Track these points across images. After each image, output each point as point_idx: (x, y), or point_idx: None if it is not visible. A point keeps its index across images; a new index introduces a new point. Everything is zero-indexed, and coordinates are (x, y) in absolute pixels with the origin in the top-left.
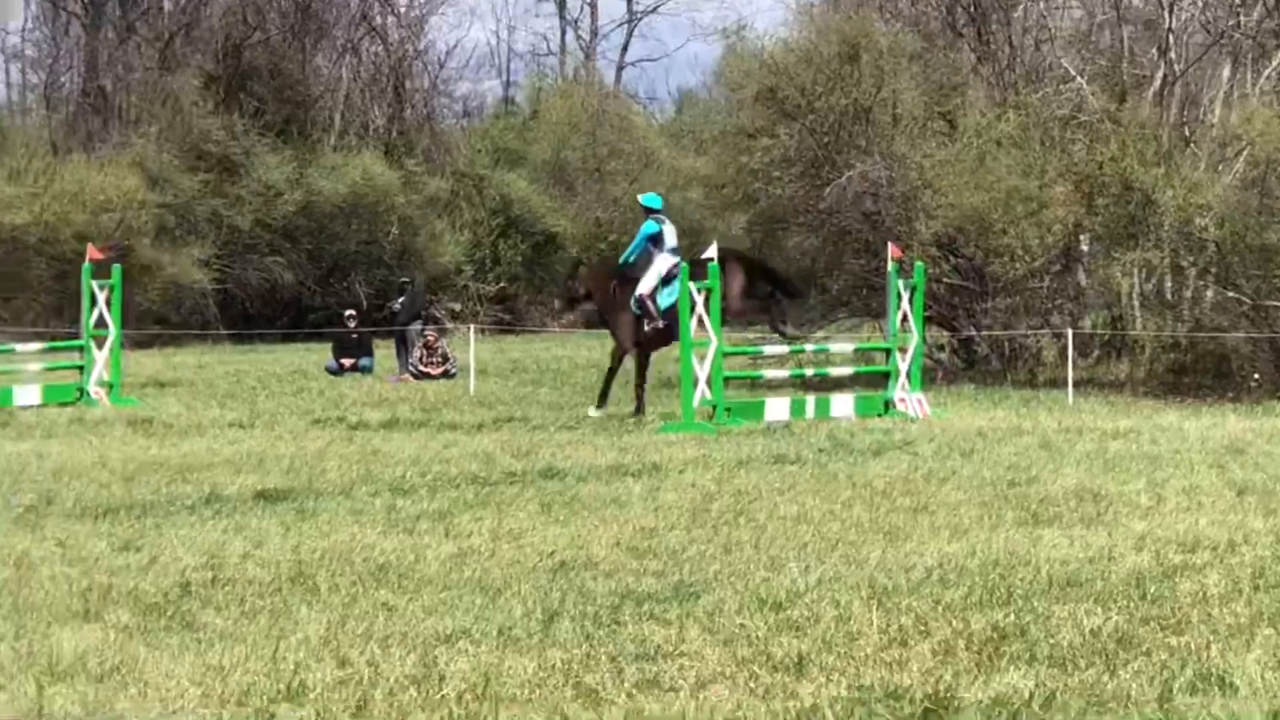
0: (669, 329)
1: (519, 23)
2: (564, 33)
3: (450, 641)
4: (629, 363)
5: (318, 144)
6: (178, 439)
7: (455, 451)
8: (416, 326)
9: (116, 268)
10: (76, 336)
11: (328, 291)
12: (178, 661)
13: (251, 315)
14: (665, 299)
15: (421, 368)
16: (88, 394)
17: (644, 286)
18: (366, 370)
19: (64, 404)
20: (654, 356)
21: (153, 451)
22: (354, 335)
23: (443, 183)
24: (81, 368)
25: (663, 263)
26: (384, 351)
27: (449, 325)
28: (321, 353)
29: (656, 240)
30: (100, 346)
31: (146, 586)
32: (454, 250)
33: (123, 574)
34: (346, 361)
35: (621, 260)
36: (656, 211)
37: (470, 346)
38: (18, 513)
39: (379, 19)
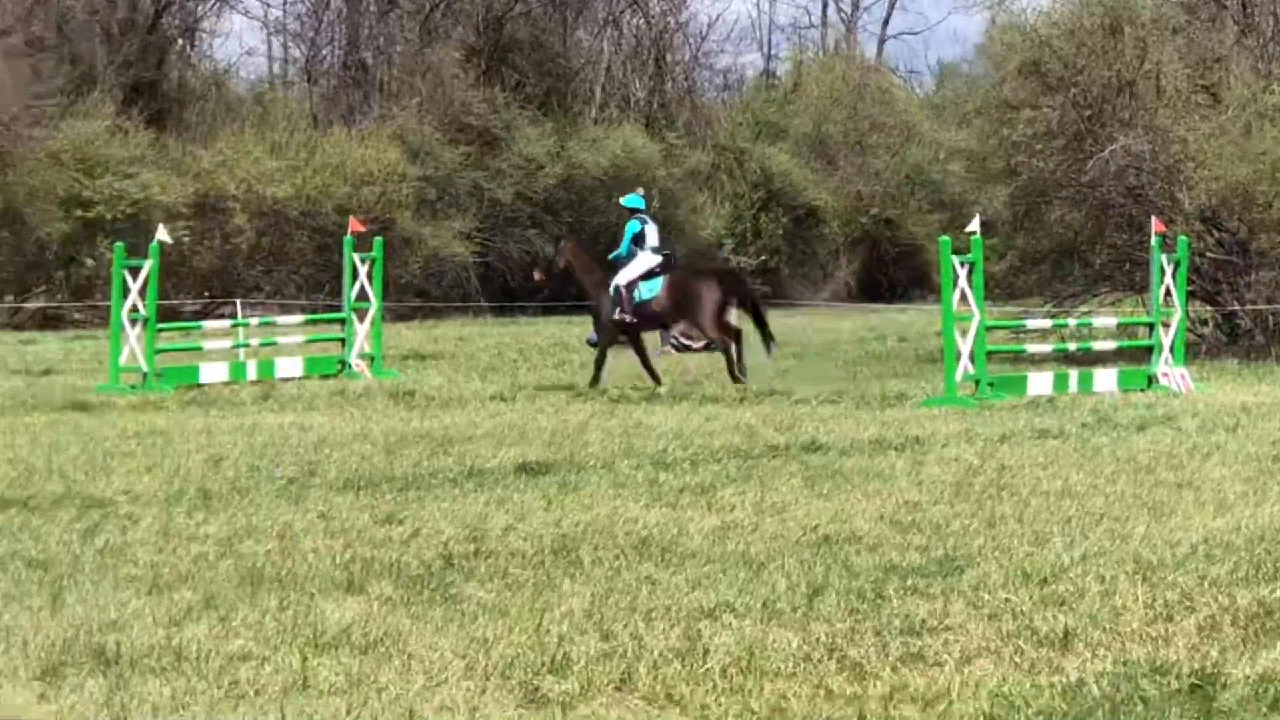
0: (655, 315)
1: None
2: (825, 5)
3: (714, 615)
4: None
5: (578, 117)
6: (439, 411)
7: (717, 425)
8: None
9: (378, 240)
10: (338, 309)
11: None
12: (441, 634)
13: (512, 288)
14: (645, 292)
15: (684, 340)
16: (349, 366)
17: (623, 278)
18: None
19: (326, 376)
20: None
21: (414, 424)
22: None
23: (703, 156)
24: (343, 340)
25: (645, 260)
26: None
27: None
28: (583, 325)
29: (639, 239)
30: (362, 319)
31: (409, 559)
32: (715, 224)
33: (385, 546)
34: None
35: (613, 256)
36: (639, 212)
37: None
38: (280, 484)
39: None
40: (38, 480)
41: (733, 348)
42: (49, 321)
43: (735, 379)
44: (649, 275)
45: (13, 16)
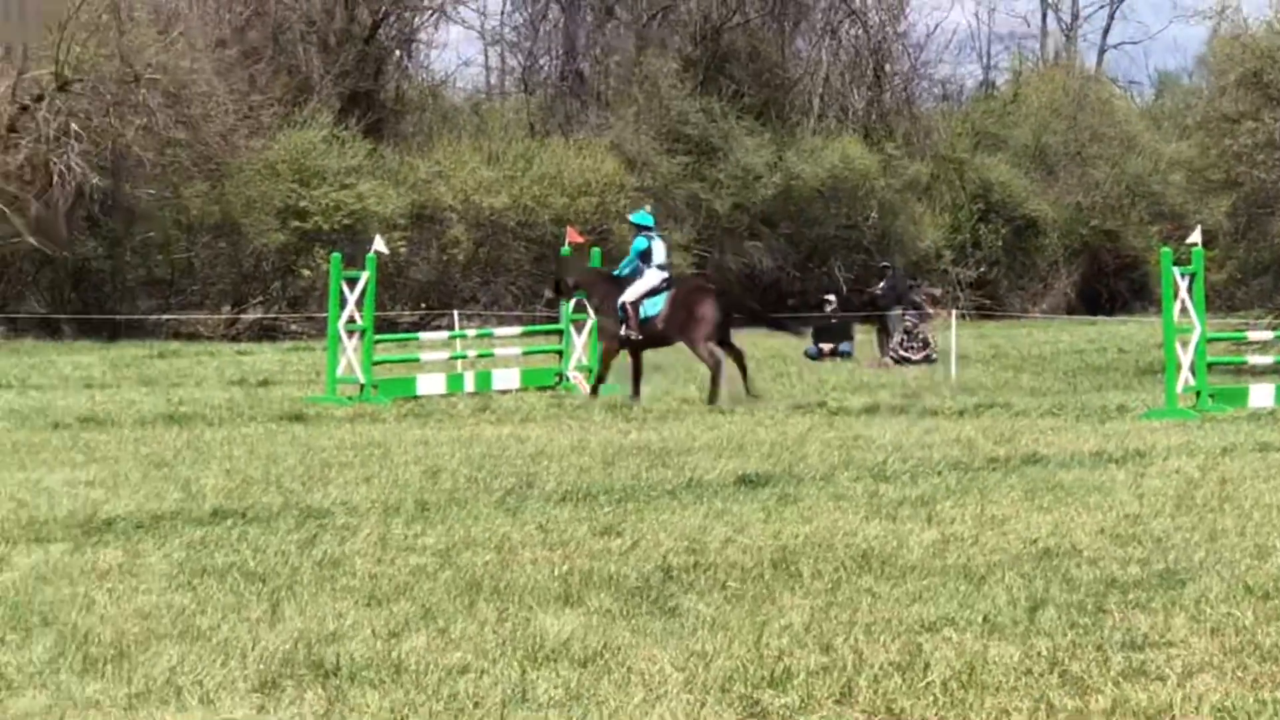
0: (661, 334)
1: (999, 4)
2: (1045, 15)
3: (934, 629)
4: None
5: (796, 127)
6: (656, 424)
7: (936, 438)
8: (897, 312)
9: (595, 251)
10: (555, 321)
11: (807, 276)
12: (660, 647)
13: None
14: (649, 309)
15: (902, 353)
16: (566, 379)
17: (630, 294)
18: (846, 355)
19: (542, 388)
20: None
21: (632, 436)
22: (833, 320)
23: (922, 167)
24: (560, 352)
25: (652, 277)
26: (864, 337)
27: (929, 310)
28: (800, 339)
29: (646, 256)
30: (579, 331)
31: (627, 571)
32: (933, 235)
33: (603, 558)
34: (826, 347)
35: (615, 273)
36: (647, 228)
37: (951, 332)
38: (498, 495)
39: (858, 2)
40: (255, 491)
41: (732, 366)
42: (266, 332)
43: (748, 393)
44: (653, 293)
45: (229, 27)
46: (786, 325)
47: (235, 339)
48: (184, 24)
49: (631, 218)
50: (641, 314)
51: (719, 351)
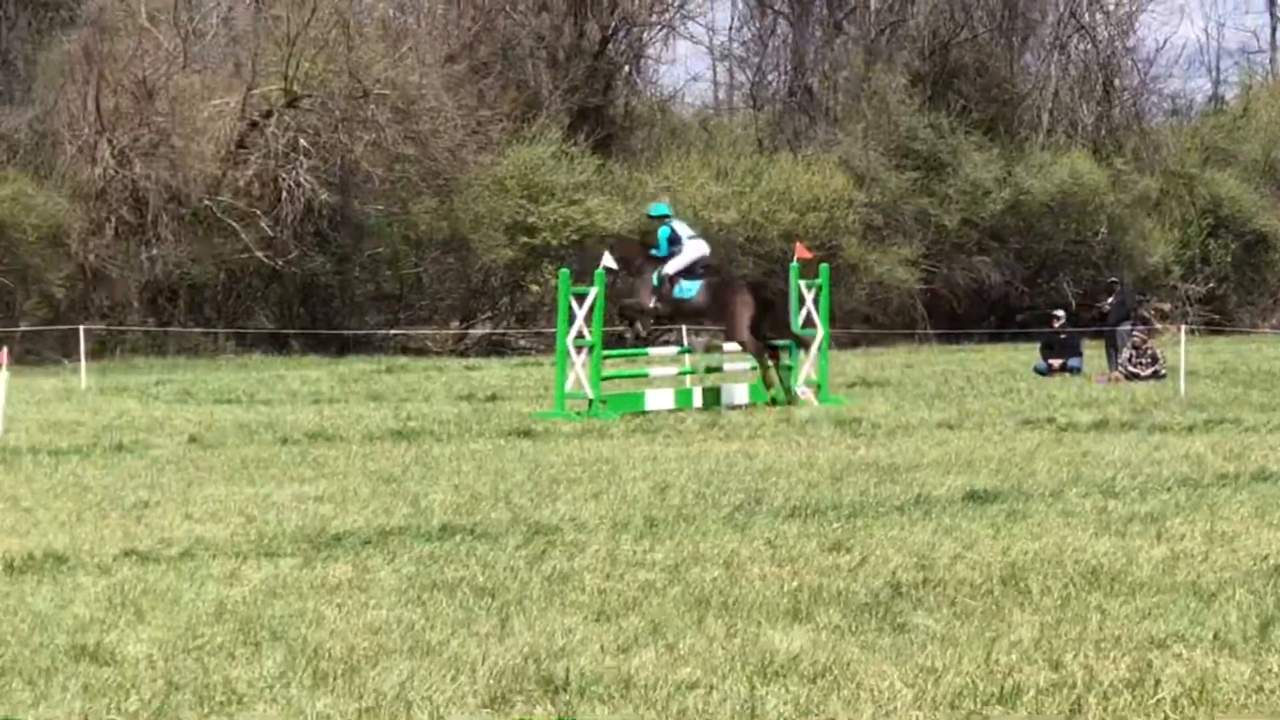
0: (687, 313)
1: (1229, 19)
2: (1275, 29)
3: (1164, 646)
4: None
5: (1025, 142)
6: (885, 439)
7: (1165, 454)
8: (1125, 327)
9: (824, 267)
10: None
11: (1035, 291)
12: (889, 663)
13: (958, 315)
14: (685, 290)
15: (1131, 368)
16: (795, 393)
17: (671, 266)
18: (1075, 371)
19: (771, 404)
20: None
21: (860, 452)
22: (1062, 335)
23: (1151, 182)
24: (789, 367)
25: (695, 246)
26: (1092, 352)
27: (1157, 326)
28: (1029, 353)
29: (674, 240)
30: (807, 346)
31: (856, 587)
32: (1162, 250)
33: (832, 574)
34: (1055, 362)
35: (656, 253)
36: (665, 217)
37: (1180, 347)
38: (724, 512)
39: (1087, 16)
40: (484, 507)
41: (767, 362)
42: (494, 347)
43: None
44: (690, 273)
45: (458, 43)
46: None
47: (463, 354)
48: (413, 39)
49: (649, 211)
50: (677, 292)
51: (763, 339)
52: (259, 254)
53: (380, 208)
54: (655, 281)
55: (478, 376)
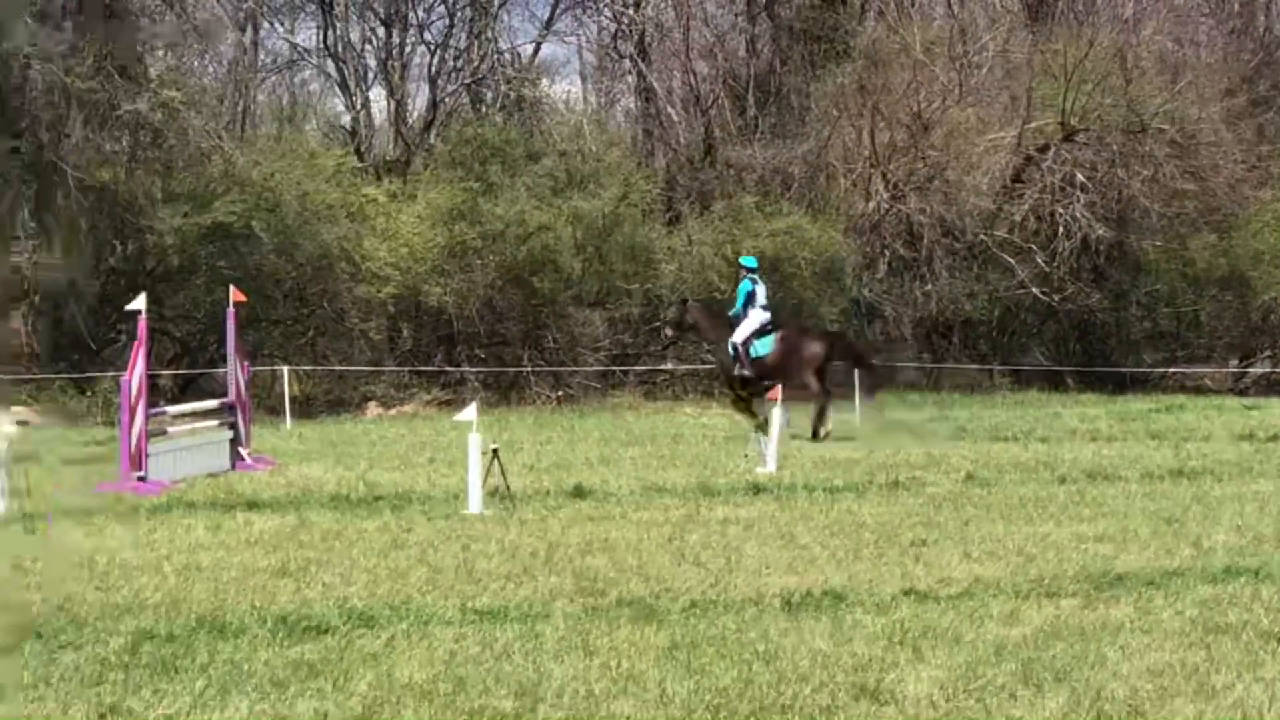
0: (763, 376)
1: None
2: None
3: None
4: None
5: None
6: None
7: None
8: None
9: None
10: None
11: None
12: None
13: None
14: (759, 349)
15: None
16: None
17: (739, 335)
18: None
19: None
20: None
21: None
22: None
23: None
24: None
25: (757, 316)
26: None
27: None
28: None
29: (751, 298)
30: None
31: None
32: None
33: None
34: None
35: (732, 313)
36: (753, 271)
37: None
38: None
39: None
40: (1267, 549)
41: (825, 406)
42: (1273, 386)
43: (815, 435)
44: (762, 333)
45: (1237, 75)
46: (880, 375)
47: (1242, 393)
48: (1191, 72)
49: (741, 261)
50: (752, 353)
51: (826, 384)
52: (1034, 290)
53: (1158, 243)
54: (732, 352)
55: (1258, 416)
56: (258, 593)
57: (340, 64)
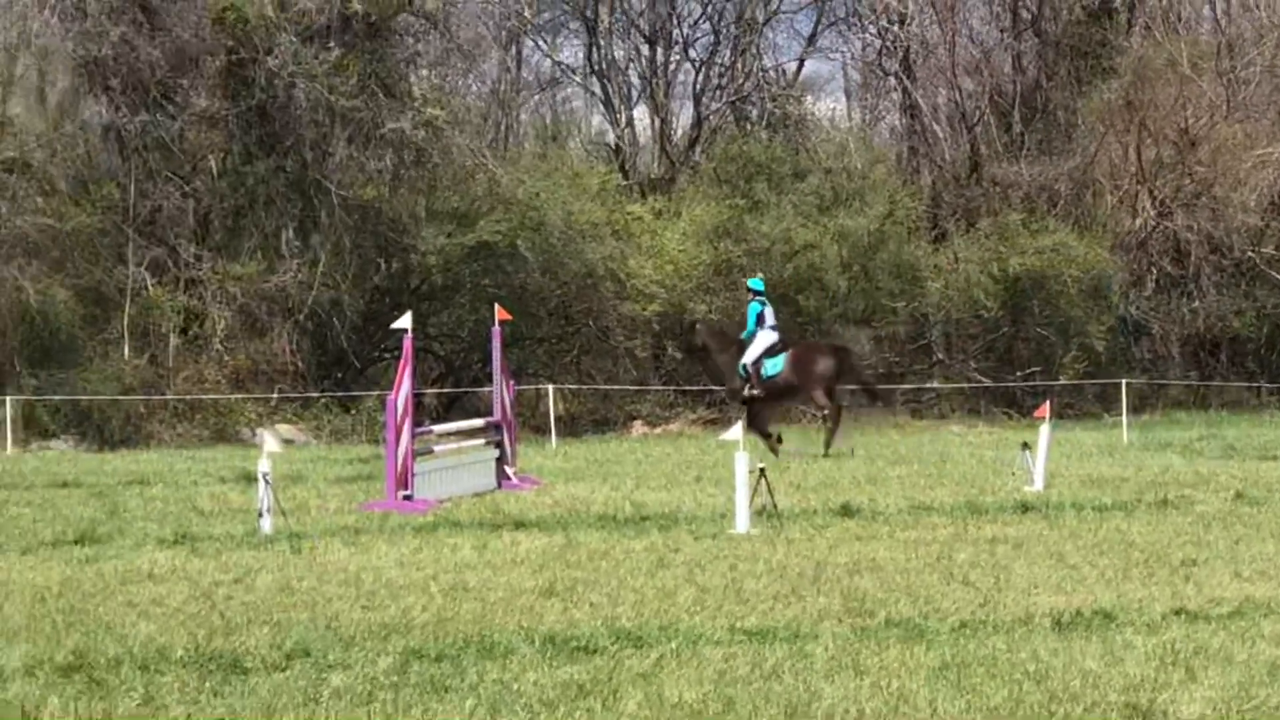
0: (774, 395)
1: None
2: None
3: None
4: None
5: None
6: None
7: None
8: None
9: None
10: None
11: None
12: None
13: None
14: (770, 369)
15: None
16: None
17: (749, 356)
18: None
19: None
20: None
21: None
22: None
23: None
24: None
25: (765, 338)
26: None
27: None
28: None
29: (761, 319)
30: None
31: None
32: None
33: None
34: None
35: (744, 335)
36: (760, 293)
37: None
38: None
39: None
40: None
41: (838, 423)
42: None
43: (826, 452)
44: (771, 352)
45: None
46: (881, 398)
47: None
48: None
49: (749, 283)
50: (763, 373)
51: (838, 401)
52: None
53: None
54: (742, 373)
55: None
56: (525, 613)
57: (604, 82)
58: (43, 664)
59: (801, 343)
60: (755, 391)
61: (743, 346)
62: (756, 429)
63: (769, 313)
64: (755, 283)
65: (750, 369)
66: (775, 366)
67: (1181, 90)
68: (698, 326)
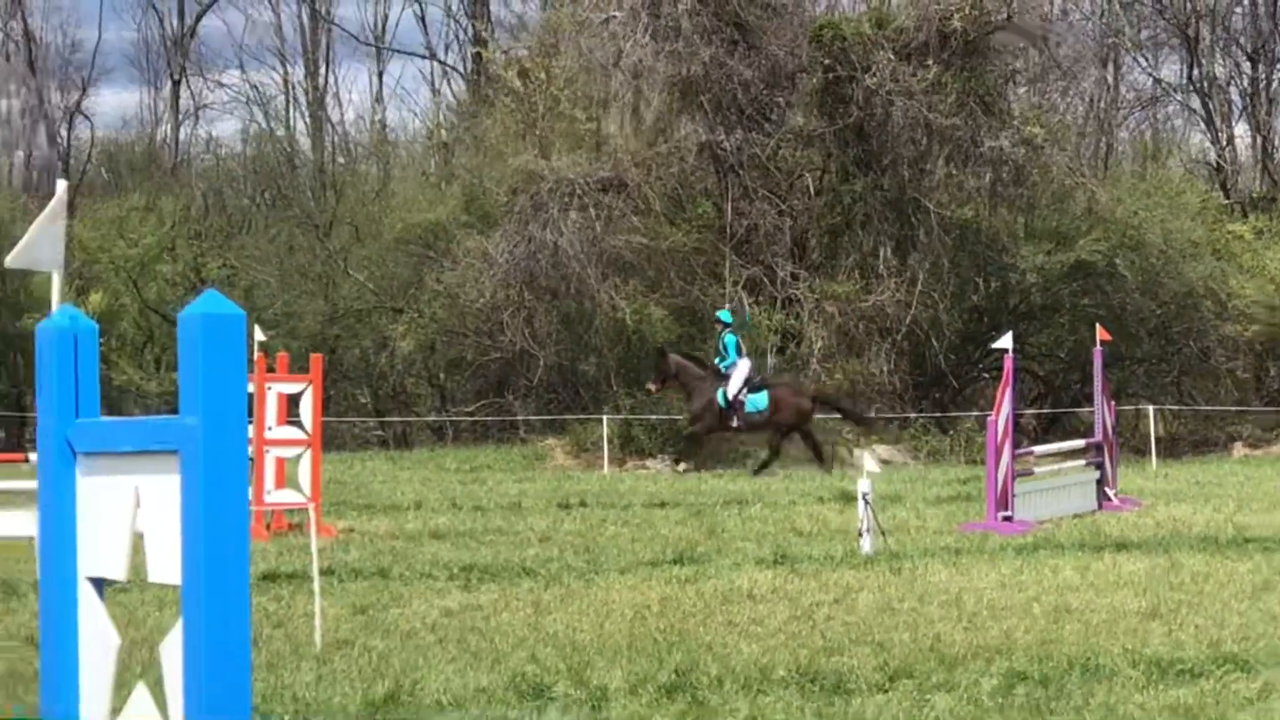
0: (758, 426)
1: None
2: None
3: None
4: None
5: None
6: None
7: None
8: None
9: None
10: None
11: None
12: None
13: None
14: (752, 405)
15: None
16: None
17: (733, 388)
18: None
19: None
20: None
21: None
22: None
23: None
24: None
25: (744, 367)
26: None
27: None
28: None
29: (739, 349)
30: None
31: None
32: None
33: None
34: None
35: (723, 366)
36: (728, 325)
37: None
38: None
39: None
40: None
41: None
42: None
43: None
44: (753, 388)
45: None
46: (866, 419)
47: None
48: None
49: (719, 315)
50: (748, 407)
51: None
52: None
53: None
54: (723, 403)
55: None
56: (1128, 635)
57: (1205, 99)
58: (645, 683)
59: (782, 384)
60: (737, 424)
61: (718, 375)
62: (691, 452)
63: (740, 341)
64: (724, 315)
65: (733, 400)
66: (760, 403)
67: None
68: (667, 355)
